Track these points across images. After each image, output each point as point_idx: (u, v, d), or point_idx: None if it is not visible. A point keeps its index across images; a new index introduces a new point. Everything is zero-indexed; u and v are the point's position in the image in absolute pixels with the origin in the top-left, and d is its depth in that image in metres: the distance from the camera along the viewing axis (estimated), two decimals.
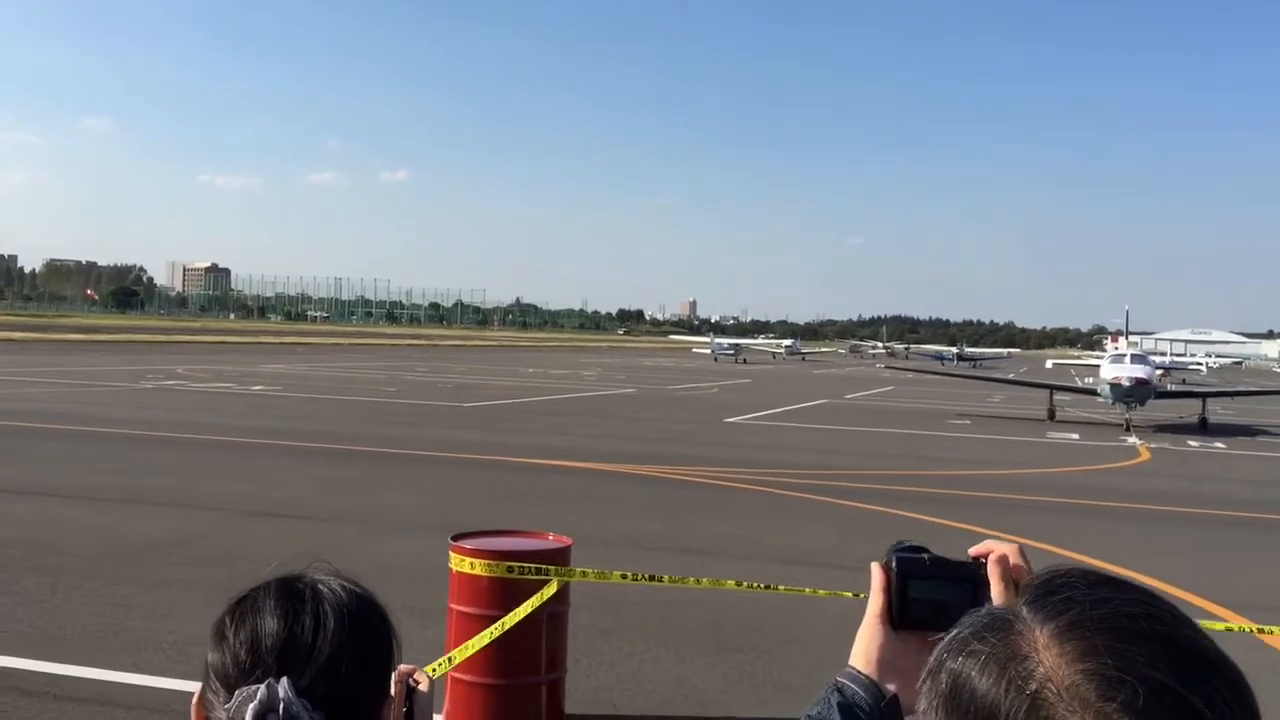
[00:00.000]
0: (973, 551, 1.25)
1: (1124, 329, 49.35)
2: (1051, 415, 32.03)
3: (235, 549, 9.92)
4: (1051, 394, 33.60)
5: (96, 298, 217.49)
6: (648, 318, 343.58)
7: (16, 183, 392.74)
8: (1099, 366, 36.10)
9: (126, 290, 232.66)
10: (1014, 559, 1.21)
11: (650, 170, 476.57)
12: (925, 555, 1.26)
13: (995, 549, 1.22)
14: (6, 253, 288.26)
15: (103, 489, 12.99)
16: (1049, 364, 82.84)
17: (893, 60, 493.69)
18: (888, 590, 1.25)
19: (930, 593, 1.23)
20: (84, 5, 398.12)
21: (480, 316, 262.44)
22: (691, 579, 5.50)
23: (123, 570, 9.03)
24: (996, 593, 1.18)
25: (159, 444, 17.60)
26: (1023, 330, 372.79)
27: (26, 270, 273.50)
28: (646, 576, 5.50)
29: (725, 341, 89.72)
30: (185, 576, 8.86)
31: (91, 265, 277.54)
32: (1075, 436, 27.18)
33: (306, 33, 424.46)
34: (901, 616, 1.25)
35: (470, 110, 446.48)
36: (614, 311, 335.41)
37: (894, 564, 1.25)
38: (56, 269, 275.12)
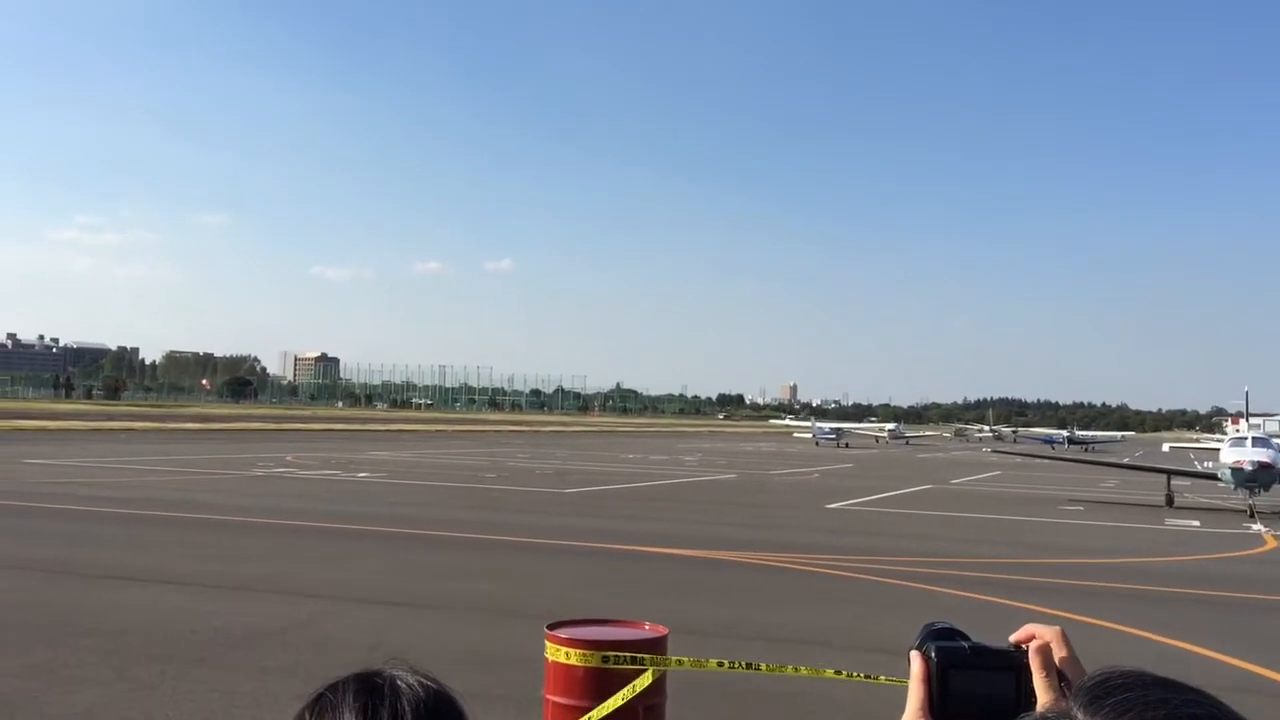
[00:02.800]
0: (1014, 638, 1.21)
1: (1244, 410, 47.53)
2: (1170, 501, 30.84)
3: (337, 636, 10.03)
4: (1169, 479, 32.40)
5: (210, 388, 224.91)
6: (748, 402, 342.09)
7: (139, 277, 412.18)
8: (1219, 450, 34.72)
9: (241, 380, 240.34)
10: (1056, 645, 1.17)
11: (748, 253, 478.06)
12: (965, 644, 1.21)
13: (1038, 635, 1.18)
14: (129, 345, 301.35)
15: (212, 575, 13.29)
16: (1165, 447, 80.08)
17: (988, 139, 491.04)
18: (928, 681, 1.20)
19: (972, 684, 1.19)
20: (204, 105, 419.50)
21: (580, 402, 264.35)
22: (790, 667, 5.39)
23: (229, 657, 9.19)
24: (1039, 681, 1.15)
25: (267, 531, 18.00)
26: (1137, 412, 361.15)
27: (147, 362, 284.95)
28: (744, 664, 5.39)
29: (827, 425, 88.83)
30: (288, 664, 8.97)
31: (208, 356, 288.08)
32: (1196, 523, 26.11)
33: (414, 127, 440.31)
34: (943, 709, 1.19)
35: (570, 198, 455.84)
36: (714, 396, 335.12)
37: (933, 654, 1.21)
38: (175, 360, 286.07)
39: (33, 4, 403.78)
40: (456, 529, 18.92)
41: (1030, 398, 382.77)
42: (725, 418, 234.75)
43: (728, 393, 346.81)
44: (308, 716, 1.34)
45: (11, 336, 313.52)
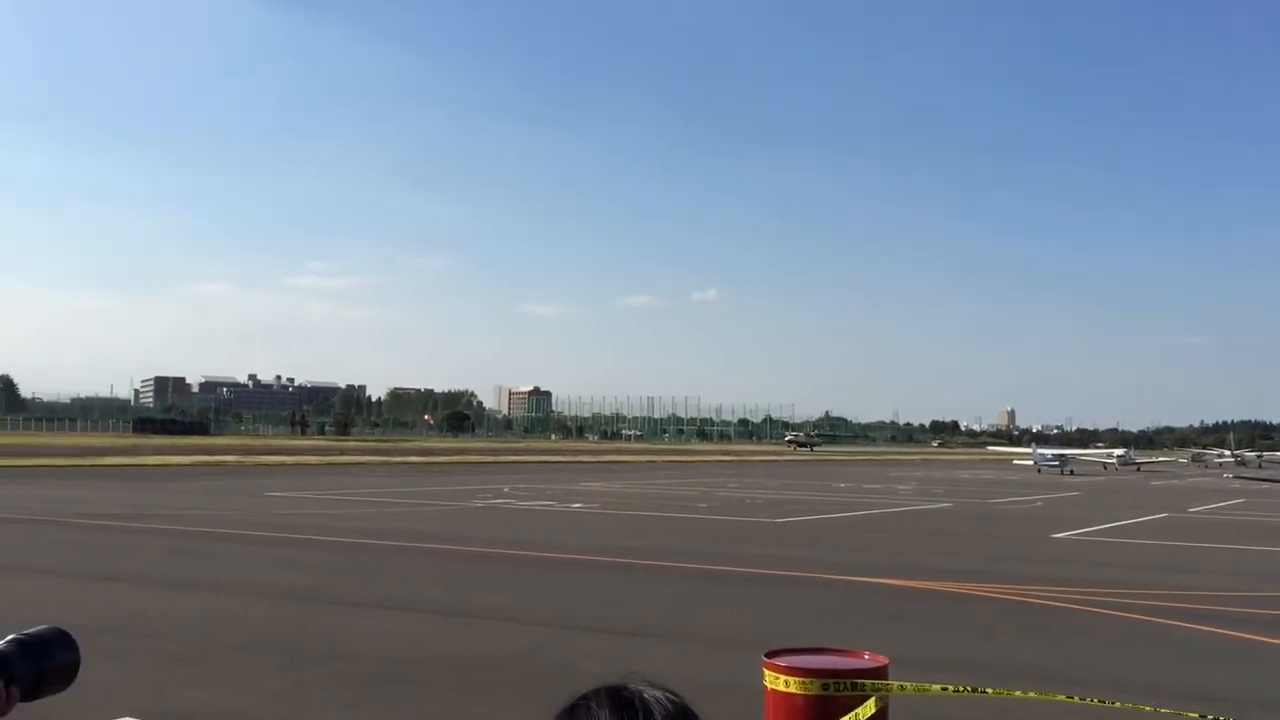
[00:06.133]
0: None
1: None
2: None
3: (565, 663, 10.33)
4: None
5: (432, 422, 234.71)
6: (963, 429, 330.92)
7: (365, 318, 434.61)
8: None
9: (459, 414, 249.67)
10: None
11: (958, 276, 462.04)
12: None
13: None
14: (357, 383, 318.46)
15: (442, 603, 13.92)
16: None
17: (1218, 154, 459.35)
18: None
19: None
20: (424, 153, 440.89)
21: (789, 431, 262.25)
22: (1018, 691, 5.23)
23: (463, 682, 9.61)
24: None
25: (491, 560, 18.68)
26: None
27: (374, 399, 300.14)
28: (968, 689, 5.28)
29: (1049, 452, 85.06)
30: (519, 690, 9.31)
31: (429, 392, 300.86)
32: None
33: (618, 162, 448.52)
34: None
35: (774, 225, 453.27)
36: (926, 423, 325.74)
37: None
38: (399, 397, 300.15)
39: (273, 68, 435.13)
40: (671, 559, 19.13)
41: (1277, 419, 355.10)
42: (939, 445, 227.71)
43: (941, 420, 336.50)
44: None
45: (252, 377, 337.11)
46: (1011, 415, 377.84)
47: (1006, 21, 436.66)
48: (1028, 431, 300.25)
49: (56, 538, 20.96)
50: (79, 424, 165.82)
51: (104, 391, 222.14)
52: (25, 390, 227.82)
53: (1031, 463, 79.84)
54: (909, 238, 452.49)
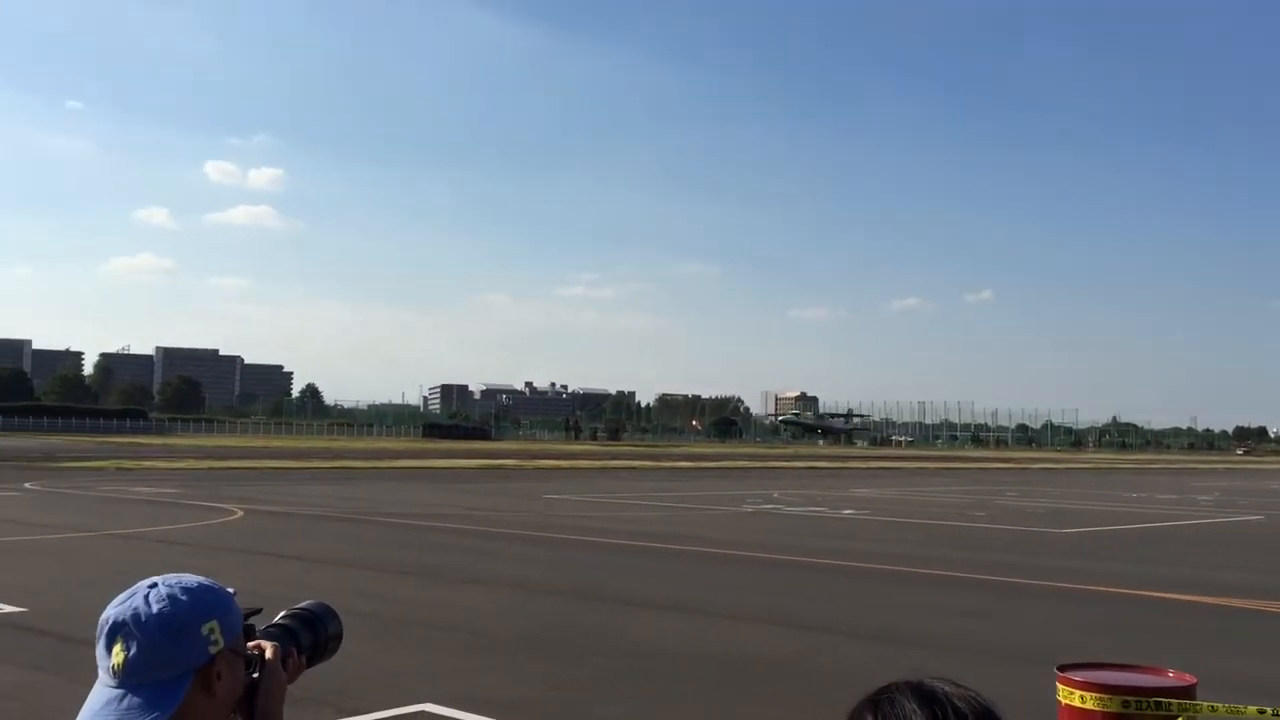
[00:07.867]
0: None
1: None
2: None
3: (835, 670, 10.25)
4: None
5: (700, 428, 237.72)
6: (1272, 435, 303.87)
7: (634, 326, 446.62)
8: None
9: (726, 420, 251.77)
10: None
11: (1267, 266, 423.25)
12: None
13: None
14: (627, 389, 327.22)
15: (716, 604, 14.07)
16: None
17: None
18: None
19: None
20: (690, 163, 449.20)
21: (1073, 438, 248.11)
22: None
23: (736, 682, 9.69)
24: None
25: (764, 565, 18.72)
26: None
27: (643, 405, 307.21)
28: None
29: None
30: (790, 692, 9.29)
31: (696, 398, 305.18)
32: None
33: (884, 165, 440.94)
34: None
35: (1053, 221, 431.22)
36: (1229, 429, 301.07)
37: None
38: (667, 402, 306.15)
39: (547, 88, 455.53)
40: (944, 567, 18.56)
41: None
42: (1245, 453, 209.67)
43: (1245, 425, 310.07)
44: (869, 717, 1.44)
45: (529, 384, 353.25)
46: None
47: None
48: None
49: (359, 534, 22.65)
50: (374, 429, 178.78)
51: (396, 398, 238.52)
52: (328, 398, 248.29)
53: None
54: (1204, 224, 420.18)
